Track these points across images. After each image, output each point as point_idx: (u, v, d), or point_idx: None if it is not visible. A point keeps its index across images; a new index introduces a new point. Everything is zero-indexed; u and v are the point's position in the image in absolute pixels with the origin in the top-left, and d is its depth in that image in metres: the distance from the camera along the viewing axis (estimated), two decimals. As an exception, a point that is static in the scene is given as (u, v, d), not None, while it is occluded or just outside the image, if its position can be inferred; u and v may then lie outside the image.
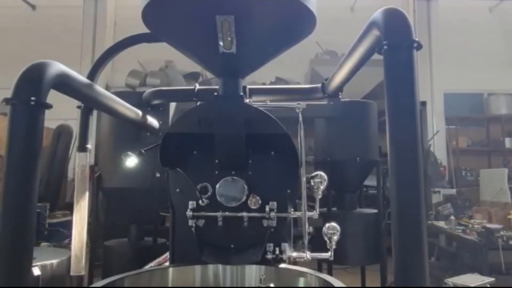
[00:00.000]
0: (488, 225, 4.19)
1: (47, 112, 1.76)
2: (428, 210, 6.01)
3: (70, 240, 4.81)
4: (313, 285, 2.04)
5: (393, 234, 1.57)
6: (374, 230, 3.92)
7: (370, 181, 5.20)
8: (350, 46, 2.26)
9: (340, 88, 3.07)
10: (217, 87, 2.44)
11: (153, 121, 3.58)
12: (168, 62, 8.58)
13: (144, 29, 2.76)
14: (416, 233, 1.55)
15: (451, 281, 3.44)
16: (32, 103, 1.64)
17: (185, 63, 8.05)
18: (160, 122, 3.81)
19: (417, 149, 1.61)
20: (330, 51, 8.14)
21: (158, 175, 3.80)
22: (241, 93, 2.33)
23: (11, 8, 9.36)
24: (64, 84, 1.93)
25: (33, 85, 1.69)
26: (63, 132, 5.51)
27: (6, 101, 1.64)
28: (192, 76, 8.44)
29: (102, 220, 4.21)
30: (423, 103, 7.56)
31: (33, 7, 9.45)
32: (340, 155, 3.93)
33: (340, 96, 3.48)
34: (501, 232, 4.07)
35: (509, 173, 7.31)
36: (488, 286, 3.43)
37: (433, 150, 7.84)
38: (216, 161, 2.36)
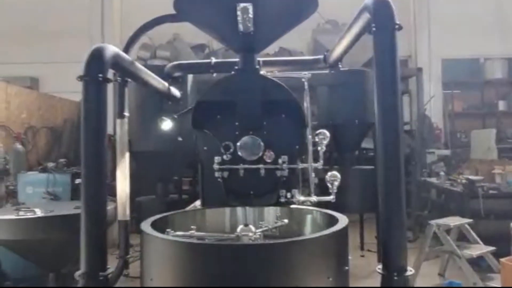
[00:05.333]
0: (471, 177, 4.73)
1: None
2: (422, 168, 6.57)
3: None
4: (319, 219, 2.58)
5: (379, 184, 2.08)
6: (371, 183, 4.45)
7: (369, 143, 5.72)
8: (350, 21, 2.67)
9: (340, 59, 3.50)
10: (229, 60, 2.88)
11: (175, 91, 4.06)
12: (175, 35, 8.89)
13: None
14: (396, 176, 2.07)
15: (434, 222, 4.00)
16: (100, 79, 2.13)
17: (191, 35, 8.36)
18: (181, 92, 4.29)
19: (397, 109, 2.11)
20: (331, 20, 8.41)
21: (180, 139, 4.32)
22: (257, 66, 2.80)
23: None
24: (117, 63, 2.41)
25: (100, 64, 2.17)
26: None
27: (81, 77, 2.13)
28: (199, 48, 8.79)
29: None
30: (419, 69, 7.93)
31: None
32: (340, 119, 4.44)
33: (340, 66, 3.92)
34: (482, 183, 4.63)
35: (500, 134, 7.80)
36: (467, 226, 4.00)
37: (430, 114, 8.27)
38: (237, 123, 2.85)
